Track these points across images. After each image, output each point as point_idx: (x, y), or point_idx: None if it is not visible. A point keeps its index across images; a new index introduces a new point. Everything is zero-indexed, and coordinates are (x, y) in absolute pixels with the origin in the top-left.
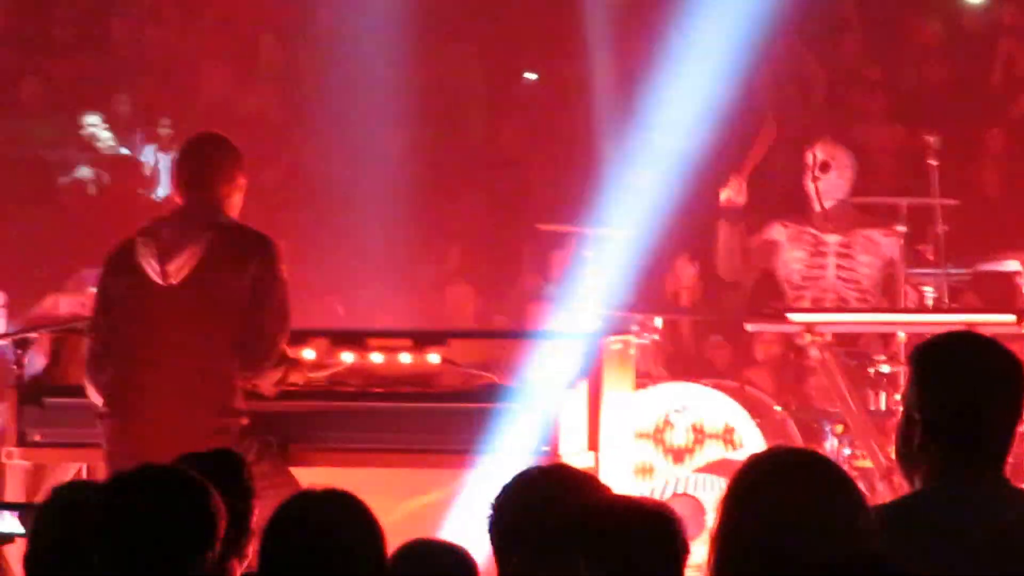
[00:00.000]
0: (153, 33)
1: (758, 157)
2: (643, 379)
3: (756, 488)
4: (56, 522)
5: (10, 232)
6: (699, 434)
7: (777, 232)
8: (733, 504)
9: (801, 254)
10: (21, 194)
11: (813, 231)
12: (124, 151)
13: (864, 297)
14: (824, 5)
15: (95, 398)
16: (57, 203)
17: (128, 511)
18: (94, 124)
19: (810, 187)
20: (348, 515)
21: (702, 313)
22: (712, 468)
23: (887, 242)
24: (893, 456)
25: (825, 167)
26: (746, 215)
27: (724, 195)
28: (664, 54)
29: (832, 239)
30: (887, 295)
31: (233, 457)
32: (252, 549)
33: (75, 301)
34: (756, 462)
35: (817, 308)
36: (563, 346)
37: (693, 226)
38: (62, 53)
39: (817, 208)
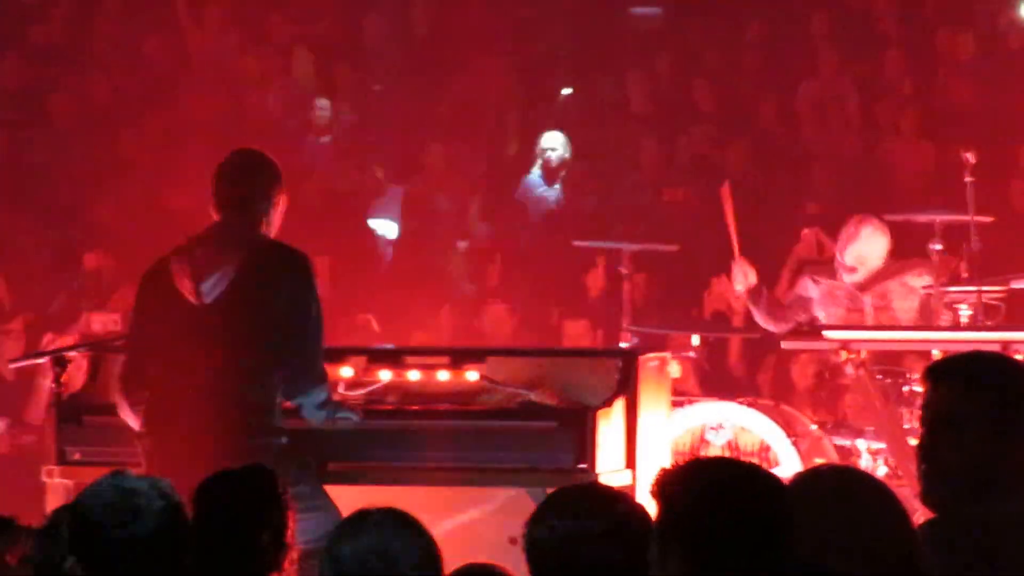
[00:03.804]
0: (189, 49)
1: (735, 227)
2: (680, 397)
3: (804, 507)
4: (58, 544)
5: (42, 248)
6: (735, 452)
7: (810, 289)
8: None
9: (839, 310)
10: (57, 210)
11: (847, 287)
12: None
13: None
14: (865, 22)
15: (127, 415)
16: (92, 218)
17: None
18: None
19: (838, 257)
20: (407, 535)
21: (741, 331)
22: None
23: (920, 281)
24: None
25: (852, 270)
26: (764, 293)
27: (738, 286)
28: (698, 70)
29: (867, 298)
30: (923, 319)
31: (265, 472)
32: (289, 563)
33: (108, 319)
34: (803, 481)
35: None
36: (600, 364)
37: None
38: (98, 69)
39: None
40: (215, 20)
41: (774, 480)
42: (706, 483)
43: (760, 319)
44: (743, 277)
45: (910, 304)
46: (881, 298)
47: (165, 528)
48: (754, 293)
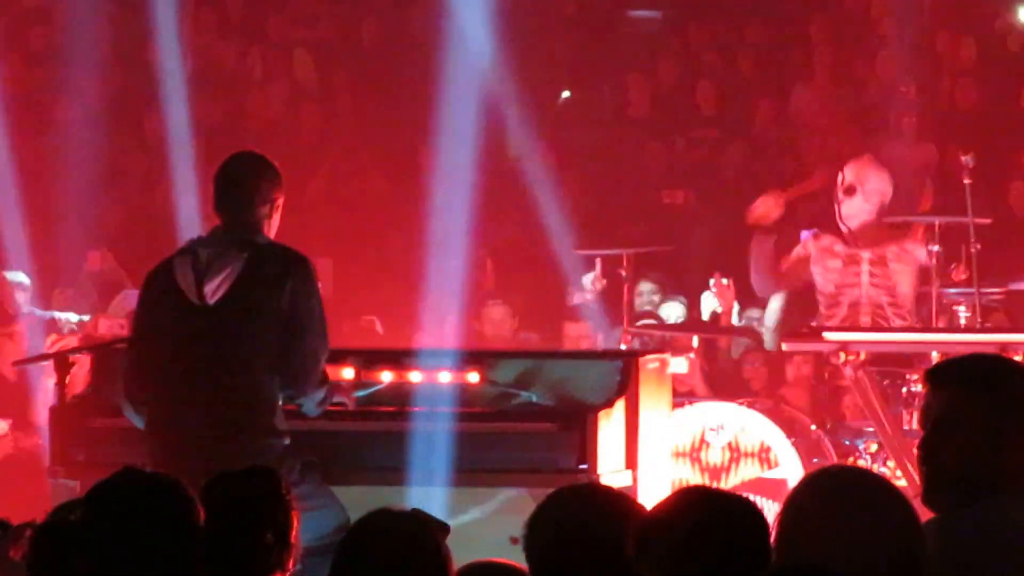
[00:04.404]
0: (190, 52)
1: (806, 190)
2: (685, 397)
3: (812, 507)
4: (50, 541)
5: (45, 250)
6: (735, 453)
7: (809, 245)
8: (792, 521)
9: (836, 263)
10: (59, 213)
11: (850, 245)
12: None
13: (897, 302)
14: (864, 24)
15: (132, 416)
16: (94, 221)
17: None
18: None
19: (836, 208)
20: (420, 536)
21: (737, 332)
22: (748, 487)
23: (919, 251)
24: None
25: (850, 190)
26: (780, 232)
27: (758, 209)
28: (697, 73)
29: (865, 254)
30: (920, 308)
31: (269, 472)
32: (293, 563)
33: (114, 323)
34: (811, 481)
35: (852, 325)
36: (600, 365)
37: (727, 244)
38: (99, 72)
39: (843, 229)
40: (215, 23)
41: (755, 514)
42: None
43: (758, 279)
44: (769, 206)
45: (904, 267)
46: (879, 260)
47: (178, 526)
48: (770, 230)
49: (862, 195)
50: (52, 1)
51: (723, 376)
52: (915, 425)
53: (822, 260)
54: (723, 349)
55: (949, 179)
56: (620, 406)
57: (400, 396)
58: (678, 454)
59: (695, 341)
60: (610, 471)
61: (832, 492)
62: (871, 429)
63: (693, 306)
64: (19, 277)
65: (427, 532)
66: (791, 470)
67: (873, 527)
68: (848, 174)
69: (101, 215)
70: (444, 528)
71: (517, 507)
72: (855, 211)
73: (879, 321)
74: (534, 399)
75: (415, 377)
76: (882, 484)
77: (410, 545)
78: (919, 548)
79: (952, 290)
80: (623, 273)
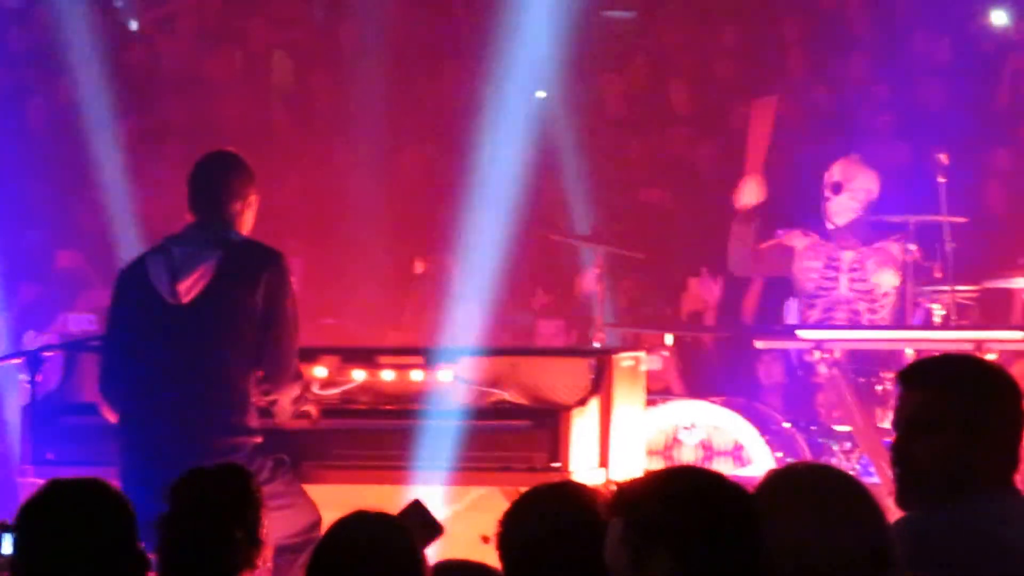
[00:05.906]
0: (167, 53)
1: (766, 140)
2: (659, 395)
3: (778, 505)
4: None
5: (21, 250)
6: (708, 451)
7: (797, 240)
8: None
9: (817, 264)
10: (31, 213)
11: (832, 246)
12: None
13: (874, 308)
14: (836, 22)
15: (109, 414)
16: (70, 220)
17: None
18: None
19: (822, 206)
20: (394, 539)
21: (713, 330)
22: None
23: (900, 253)
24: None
25: (837, 188)
26: (761, 216)
27: (743, 199)
28: (672, 72)
29: (847, 256)
30: (896, 308)
31: (240, 470)
32: (263, 560)
33: (83, 319)
34: (777, 478)
35: (827, 323)
36: (574, 363)
37: (706, 243)
38: (73, 73)
39: (829, 227)
40: (193, 24)
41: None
42: (678, 489)
43: (736, 256)
44: (752, 193)
45: (884, 271)
46: (859, 261)
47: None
48: (751, 214)
49: (848, 192)
50: (30, 2)
51: (698, 375)
52: (889, 422)
53: (802, 258)
54: (702, 346)
55: (923, 178)
56: (593, 404)
57: (372, 394)
58: (651, 452)
59: (669, 339)
60: (583, 469)
61: (796, 489)
62: (844, 427)
63: (670, 304)
64: None
65: (401, 536)
66: (764, 468)
67: (837, 523)
68: (836, 172)
69: (73, 215)
70: (436, 528)
71: (489, 505)
72: (841, 208)
73: (855, 322)
74: (507, 397)
75: (387, 375)
76: (847, 480)
77: (383, 549)
78: (886, 543)
79: (926, 288)
80: (597, 271)
